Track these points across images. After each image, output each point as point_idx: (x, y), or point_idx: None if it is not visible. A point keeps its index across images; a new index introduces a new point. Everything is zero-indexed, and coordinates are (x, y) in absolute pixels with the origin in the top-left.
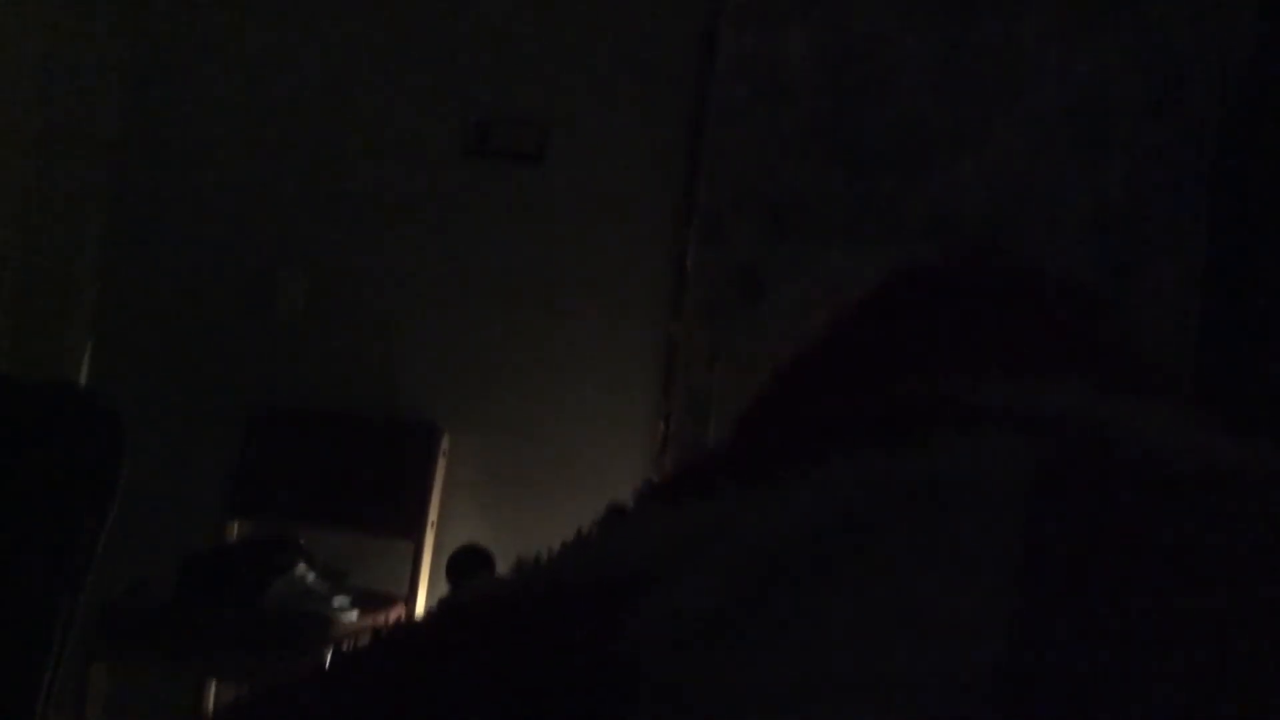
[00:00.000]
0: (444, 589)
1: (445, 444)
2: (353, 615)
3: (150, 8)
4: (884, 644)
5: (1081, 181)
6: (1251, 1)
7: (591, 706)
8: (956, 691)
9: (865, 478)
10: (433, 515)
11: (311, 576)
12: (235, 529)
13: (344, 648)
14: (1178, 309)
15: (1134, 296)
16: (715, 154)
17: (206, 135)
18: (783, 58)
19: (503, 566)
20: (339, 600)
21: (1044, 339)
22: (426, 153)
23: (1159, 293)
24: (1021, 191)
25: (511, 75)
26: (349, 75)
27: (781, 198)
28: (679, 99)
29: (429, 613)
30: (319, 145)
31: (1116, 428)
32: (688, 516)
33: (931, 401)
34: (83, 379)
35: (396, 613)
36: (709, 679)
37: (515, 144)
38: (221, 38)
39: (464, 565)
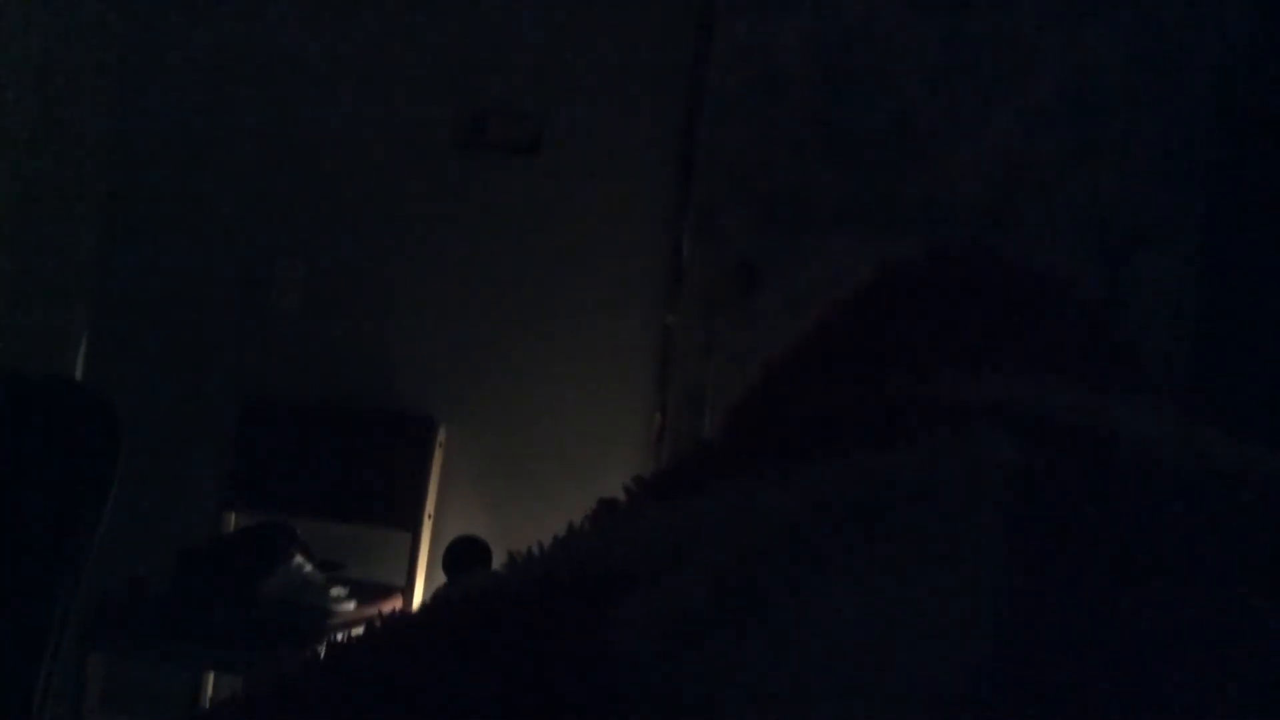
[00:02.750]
0: (441, 580)
1: (442, 436)
2: (350, 606)
3: (144, 8)
4: (872, 643)
5: (1077, 173)
6: None
7: (582, 701)
8: (945, 691)
9: (854, 475)
10: (430, 507)
11: (309, 568)
12: (232, 520)
13: (341, 639)
14: (1172, 302)
15: (1128, 289)
16: (710, 145)
17: (202, 128)
18: (778, 48)
19: (500, 558)
20: (336, 591)
21: (1035, 335)
22: (422, 145)
23: (1153, 286)
24: (1016, 183)
25: (506, 67)
26: (344, 67)
27: (777, 189)
28: (674, 90)
29: (423, 605)
30: (315, 137)
31: (1106, 425)
32: (678, 513)
33: (921, 398)
34: (79, 371)
35: (394, 604)
36: (698, 675)
37: (510, 136)
38: (217, 30)
39: (461, 557)
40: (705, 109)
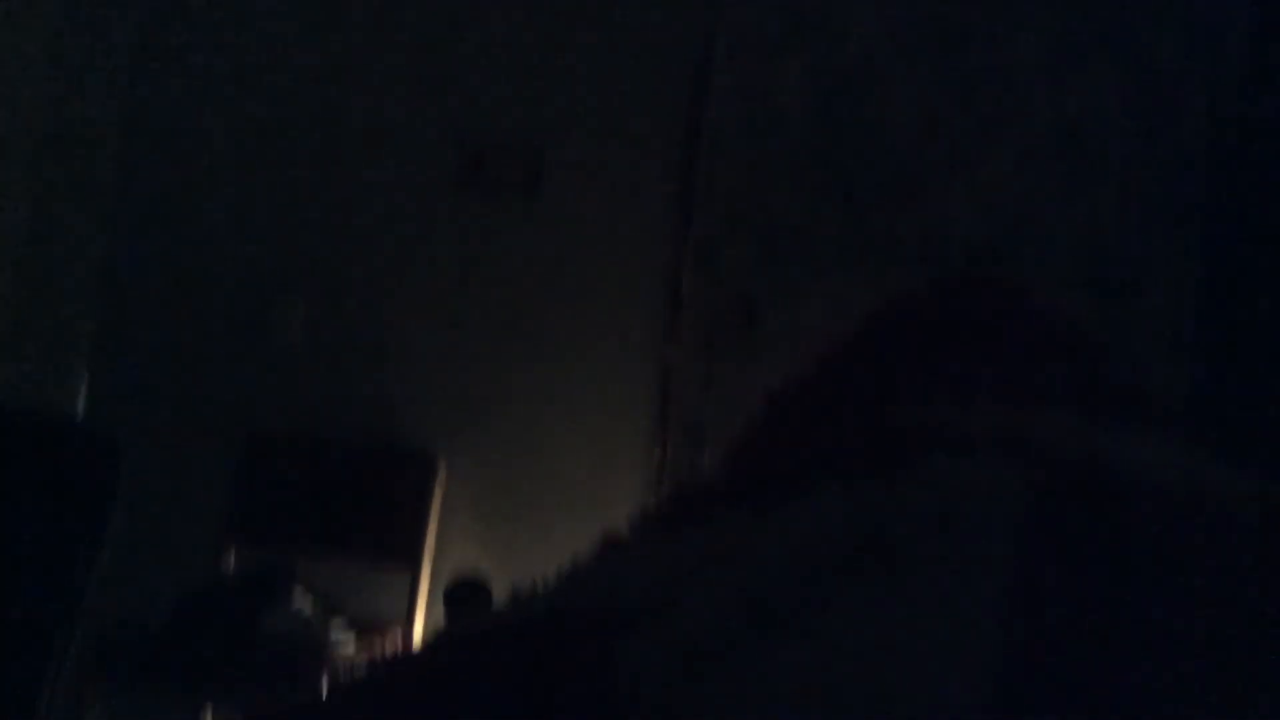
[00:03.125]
0: (441, 617)
1: (442, 471)
2: (349, 644)
3: (145, 54)
4: (879, 669)
5: (1073, 208)
6: (1240, 27)
7: None
8: (953, 713)
9: (859, 507)
10: (429, 543)
11: (308, 605)
12: (232, 556)
13: (341, 676)
14: (1170, 334)
15: (1127, 322)
16: (710, 182)
17: (203, 163)
18: (776, 87)
19: (500, 594)
20: (335, 628)
21: (1037, 367)
22: (421, 182)
23: (1152, 318)
24: (1014, 218)
25: (505, 104)
26: (345, 105)
27: (776, 225)
28: (673, 128)
29: (426, 642)
30: (315, 174)
31: (1109, 456)
32: (682, 546)
33: (924, 429)
34: (80, 405)
35: (393, 641)
36: (705, 708)
37: (509, 172)
38: (217, 68)
39: (461, 594)
40: (704, 146)
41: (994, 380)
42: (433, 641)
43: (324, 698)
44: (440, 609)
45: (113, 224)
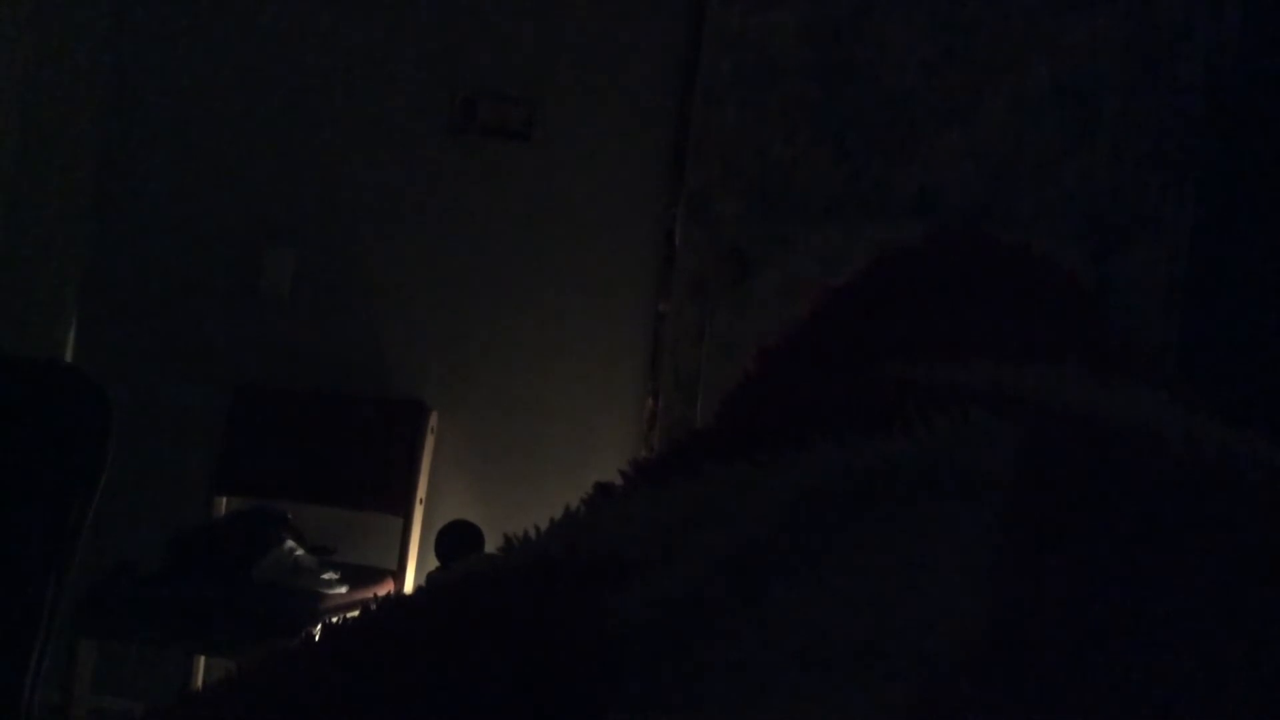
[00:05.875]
0: (433, 564)
1: (434, 421)
2: (342, 590)
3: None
4: (867, 620)
5: (1068, 161)
6: None
7: (579, 683)
8: (940, 664)
9: (851, 460)
10: (421, 491)
11: (300, 552)
12: (223, 505)
13: (333, 622)
14: (1163, 291)
15: (1120, 275)
16: (703, 132)
17: (192, 114)
18: (770, 34)
19: (492, 542)
20: (328, 575)
21: (1032, 321)
22: (413, 130)
23: (1144, 275)
24: (1008, 171)
25: (498, 52)
26: (335, 52)
27: (769, 176)
28: (666, 76)
29: (418, 589)
30: (305, 123)
31: (1104, 411)
32: (674, 497)
33: (918, 384)
34: (69, 356)
35: (386, 588)
36: (694, 658)
37: (502, 121)
38: (207, 17)
39: (453, 540)
40: (698, 95)
41: (988, 334)
42: (426, 587)
43: (316, 644)
44: (431, 557)
45: (103, 173)
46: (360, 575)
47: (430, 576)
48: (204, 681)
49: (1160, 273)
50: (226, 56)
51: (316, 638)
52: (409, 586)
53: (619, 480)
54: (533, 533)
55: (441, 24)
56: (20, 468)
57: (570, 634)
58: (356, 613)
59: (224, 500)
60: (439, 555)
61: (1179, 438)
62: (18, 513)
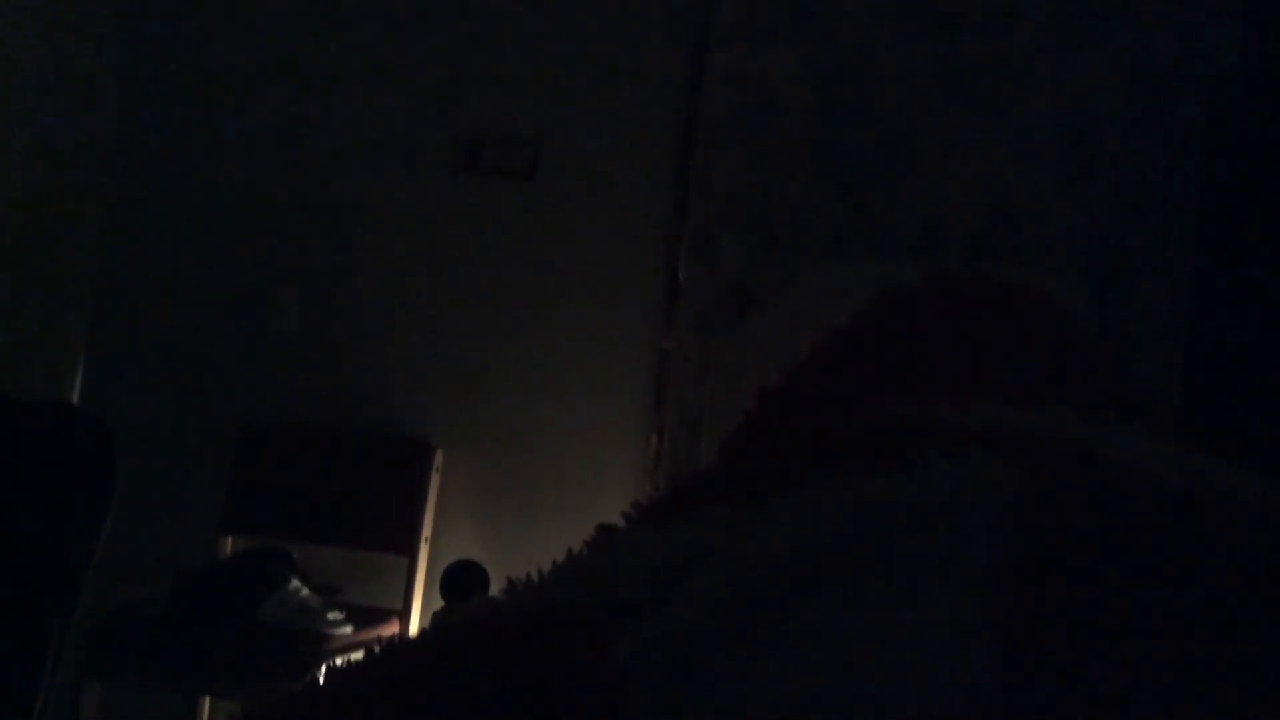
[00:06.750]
0: (438, 604)
1: (439, 460)
2: (347, 630)
3: (143, 31)
4: (870, 665)
5: (1070, 197)
6: (1238, 13)
7: None
8: (944, 711)
9: (851, 501)
10: (426, 531)
11: (305, 592)
12: (229, 545)
13: (339, 664)
14: (1165, 326)
15: (1122, 312)
16: (706, 170)
17: (200, 152)
18: (772, 73)
19: (497, 582)
20: (333, 615)
21: (1032, 360)
22: (420, 170)
23: (1147, 309)
24: (1010, 207)
25: (503, 93)
26: (344, 92)
27: (772, 213)
28: (669, 115)
29: (423, 630)
30: (314, 161)
31: (1103, 450)
32: (676, 539)
33: (917, 423)
34: (75, 394)
35: (391, 628)
36: (698, 702)
37: (508, 161)
38: (216, 54)
39: (458, 581)
40: (701, 134)
41: (987, 376)
42: (430, 629)
43: (322, 686)
44: (437, 597)
45: (110, 209)
46: (366, 615)
47: (433, 618)
48: None
49: (1163, 307)
50: (235, 97)
51: (321, 682)
52: (414, 626)
53: (622, 521)
54: (535, 575)
55: (448, 67)
56: (26, 509)
57: (571, 676)
58: (360, 655)
59: (230, 539)
60: (444, 595)
61: (1180, 477)
62: (23, 553)
